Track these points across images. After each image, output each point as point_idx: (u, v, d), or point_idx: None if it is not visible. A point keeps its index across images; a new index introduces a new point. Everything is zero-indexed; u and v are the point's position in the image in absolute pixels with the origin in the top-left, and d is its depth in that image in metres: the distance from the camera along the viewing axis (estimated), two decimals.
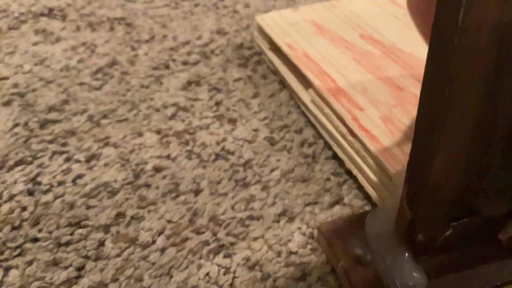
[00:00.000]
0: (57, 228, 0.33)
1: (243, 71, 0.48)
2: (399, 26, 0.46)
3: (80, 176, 0.37)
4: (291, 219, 0.33)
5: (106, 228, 0.33)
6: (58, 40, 0.51)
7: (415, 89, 0.38)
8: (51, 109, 0.43)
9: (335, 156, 0.38)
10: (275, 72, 0.47)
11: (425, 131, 0.23)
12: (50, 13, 0.55)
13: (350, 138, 0.36)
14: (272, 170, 0.37)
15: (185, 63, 0.49)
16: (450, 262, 0.27)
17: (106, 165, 0.37)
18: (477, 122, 0.23)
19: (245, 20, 0.56)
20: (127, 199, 0.35)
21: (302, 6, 0.51)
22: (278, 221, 0.33)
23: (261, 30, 0.49)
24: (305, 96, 0.42)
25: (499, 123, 0.24)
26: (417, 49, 0.43)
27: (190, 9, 0.57)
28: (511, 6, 0.19)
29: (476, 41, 0.20)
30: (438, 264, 0.27)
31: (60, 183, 0.36)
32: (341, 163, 0.38)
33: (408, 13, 0.29)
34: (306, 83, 0.42)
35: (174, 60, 0.49)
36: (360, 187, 0.35)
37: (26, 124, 0.41)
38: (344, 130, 0.36)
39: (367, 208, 0.34)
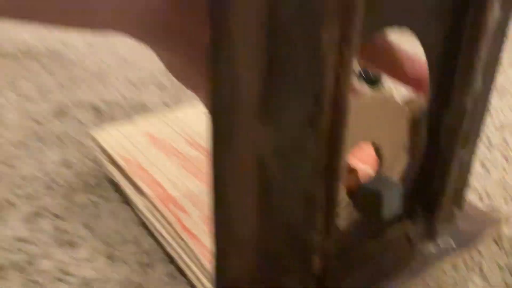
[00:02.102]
0: None
1: (87, 196, 0.49)
2: None
3: None
4: None
5: None
6: None
7: None
8: None
9: (171, 259, 0.40)
10: (115, 184, 0.49)
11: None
12: None
13: (178, 240, 0.38)
14: (113, 285, 0.38)
15: (28, 197, 0.49)
16: None
17: None
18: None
19: (90, 146, 0.58)
20: None
21: (138, 119, 0.54)
22: None
23: (99, 145, 0.51)
24: (141, 205, 0.44)
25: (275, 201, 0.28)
26: None
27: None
28: None
29: None
30: None
31: None
32: (176, 265, 0.40)
33: None
34: (142, 193, 0.44)
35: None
36: (193, 286, 0.38)
37: None
38: (173, 233, 0.39)
39: None
